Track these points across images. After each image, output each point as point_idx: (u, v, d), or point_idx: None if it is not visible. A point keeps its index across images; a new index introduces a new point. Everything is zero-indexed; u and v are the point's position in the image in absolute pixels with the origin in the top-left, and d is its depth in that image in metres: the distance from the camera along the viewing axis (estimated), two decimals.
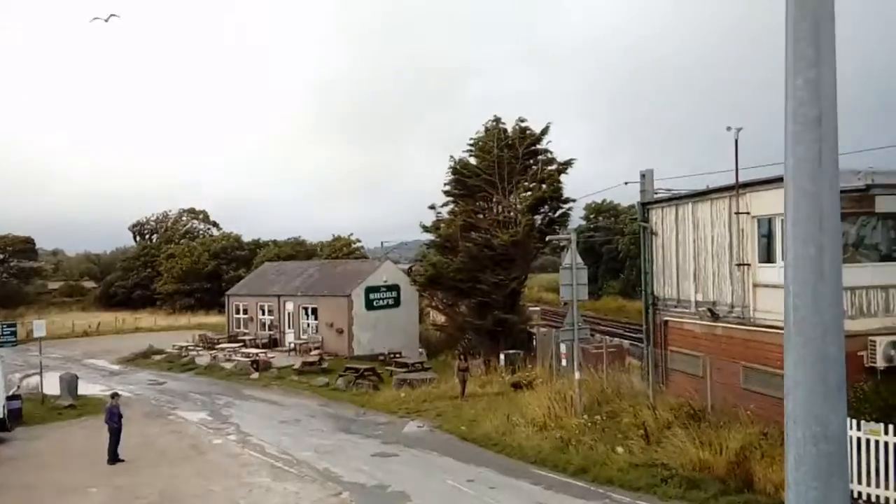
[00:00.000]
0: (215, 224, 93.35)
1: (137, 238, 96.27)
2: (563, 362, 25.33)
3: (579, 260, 21.87)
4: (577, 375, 21.32)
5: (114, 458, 19.78)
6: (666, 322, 22.55)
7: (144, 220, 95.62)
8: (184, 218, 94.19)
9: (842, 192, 3.03)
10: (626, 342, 33.04)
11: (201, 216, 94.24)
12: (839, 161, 2.94)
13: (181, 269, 75.44)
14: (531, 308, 46.54)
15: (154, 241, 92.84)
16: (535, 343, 34.34)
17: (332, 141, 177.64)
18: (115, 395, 21.57)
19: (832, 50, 2.87)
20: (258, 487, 17.32)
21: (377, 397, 28.54)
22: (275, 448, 21.07)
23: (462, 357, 28.93)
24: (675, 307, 22.08)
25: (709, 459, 15.40)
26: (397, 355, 38.64)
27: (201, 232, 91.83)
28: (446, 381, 28.90)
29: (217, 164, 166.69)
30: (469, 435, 21.49)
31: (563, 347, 25.11)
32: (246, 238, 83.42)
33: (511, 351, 31.77)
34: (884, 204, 15.87)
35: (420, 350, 40.63)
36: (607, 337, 33.88)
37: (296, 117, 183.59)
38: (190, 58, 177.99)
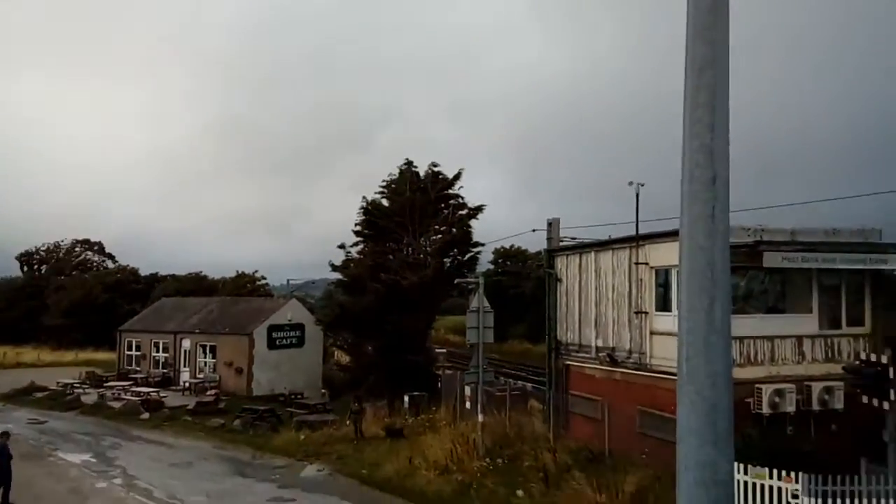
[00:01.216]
0: (111, 256, 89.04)
1: (25, 268, 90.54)
2: (468, 404, 25.34)
3: (486, 303, 22.13)
4: (480, 418, 21.38)
5: (5, 500, 18.45)
6: (568, 366, 23.03)
7: (34, 249, 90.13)
8: (77, 249, 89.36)
9: (732, 247, 3.22)
10: (529, 385, 33.40)
11: (96, 248, 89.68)
12: (730, 218, 3.13)
13: (71, 301, 71.37)
14: (437, 350, 46.50)
15: (43, 271, 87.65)
16: (440, 385, 34.24)
17: (238, 177, 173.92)
18: (4, 434, 20.06)
19: (726, 118, 3.08)
20: None
21: (275, 439, 27.62)
22: (163, 493, 19.97)
23: (355, 399, 28.55)
24: (577, 352, 22.60)
25: (605, 503, 15.67)
26: (299, 396, 37.68)
27: (95, 264, 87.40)
28: (348, 423, 28.35)
29: (115, 195, 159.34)
30: (370, 478, 21.08)
31: (467, 390, 25.16)
32: (143, 272, 80.00)
33: (416, 393, 31.56)
34: (770, 259, 16.88)
35: (322, 391, 39.80)
36: (511, 380, 34.13)
37: (202, 154, 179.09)
38: (92, 83, 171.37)
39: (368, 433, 26.52)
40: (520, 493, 17.54)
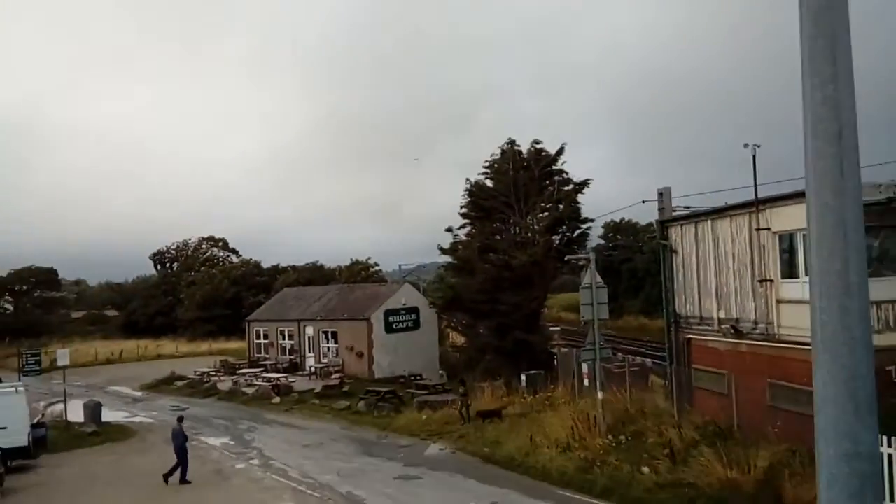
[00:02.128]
0: (234, 251, 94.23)
1: (158, 267, 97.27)
2: (586, 382, 25.12)
3: (599, 279, 21.79)
4: (599, 395, 21.14)
5: (183, 478, 20.33)
6: (689, 340, 22.32)
7: (165, 248, 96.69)
8: (203, 246, 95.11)
9: (864, 205, 3.01)
10: (648, 361, 32.68)
11: (220, 244, 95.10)
12: (861, 174, 2.93)
13: (202, 296, 76.03)
14: (551, 328, 46.30)
15: (175, 269, 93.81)
16: (556, 363, 34.11)
17: (347, 167, 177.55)
18: (180, 419, 22.20)
19: (849, 66, 2.87)
20: None
21: (399, 420, 28.45)
22: (297, 472, 21.05)
23: (461, 383, 29.00)
24: (698, 325, 21.86)
25: (737, 478, 15.16)
26: (418, 377, 38.57)
27: (221, 259, 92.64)
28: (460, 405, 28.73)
29: (234, 194, 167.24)
30: (492, 457, 21.34)
31: (584, 367, 24.92)
32: (265, 264, 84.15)
33: (532, 371, 31.58)
34: None
35: (441, 372, 40.55)
36: (629, 356, 33.51)
37: (312, 149, 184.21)
38: (204, 88, 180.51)
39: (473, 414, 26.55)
40: (645, 469, 17.24)
